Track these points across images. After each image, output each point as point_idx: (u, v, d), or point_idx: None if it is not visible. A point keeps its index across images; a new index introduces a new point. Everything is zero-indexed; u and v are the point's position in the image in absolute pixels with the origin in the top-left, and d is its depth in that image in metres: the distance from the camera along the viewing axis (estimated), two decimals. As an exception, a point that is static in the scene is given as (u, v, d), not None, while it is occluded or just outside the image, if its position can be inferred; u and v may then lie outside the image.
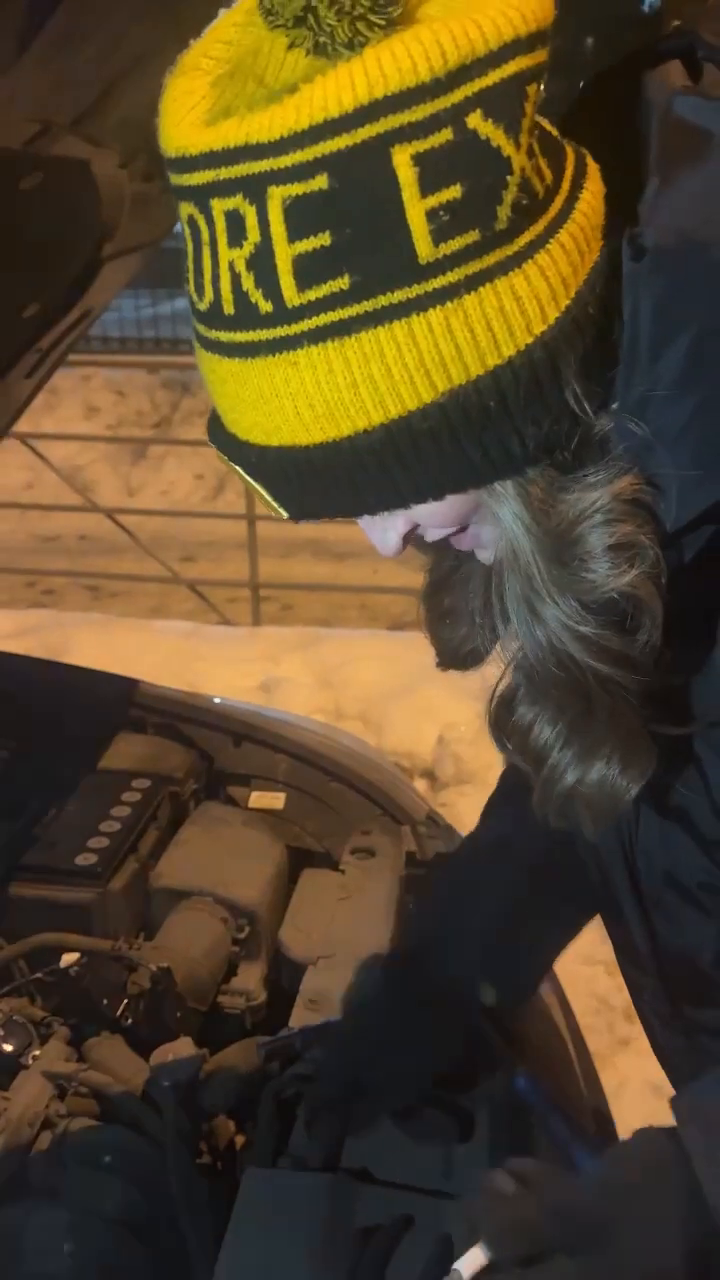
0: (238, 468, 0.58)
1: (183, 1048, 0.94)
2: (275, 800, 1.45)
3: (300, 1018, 1.02)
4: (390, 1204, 0.82)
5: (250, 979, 1.15)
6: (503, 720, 0.67)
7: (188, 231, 0.52)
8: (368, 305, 0.49)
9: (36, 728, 1.44)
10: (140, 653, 3.59)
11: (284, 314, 0.50)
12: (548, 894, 0.89)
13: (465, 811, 2.91)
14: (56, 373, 1.49)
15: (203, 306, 0.53)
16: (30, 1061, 0.96)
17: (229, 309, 0.51)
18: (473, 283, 0.49)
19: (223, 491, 6.51)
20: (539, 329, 0.51)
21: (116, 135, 1.01)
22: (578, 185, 0.53)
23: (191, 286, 0.53)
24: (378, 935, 1.15)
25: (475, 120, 0.47)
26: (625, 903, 0.77)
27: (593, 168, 0.55)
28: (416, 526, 0.61)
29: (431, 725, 3.20)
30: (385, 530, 0.61)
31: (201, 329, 0.54)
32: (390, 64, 0.46)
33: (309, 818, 1.43)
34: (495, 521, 0.58)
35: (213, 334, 0.53)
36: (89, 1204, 0.86)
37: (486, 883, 0.91)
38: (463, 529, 0.61)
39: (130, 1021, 1.01)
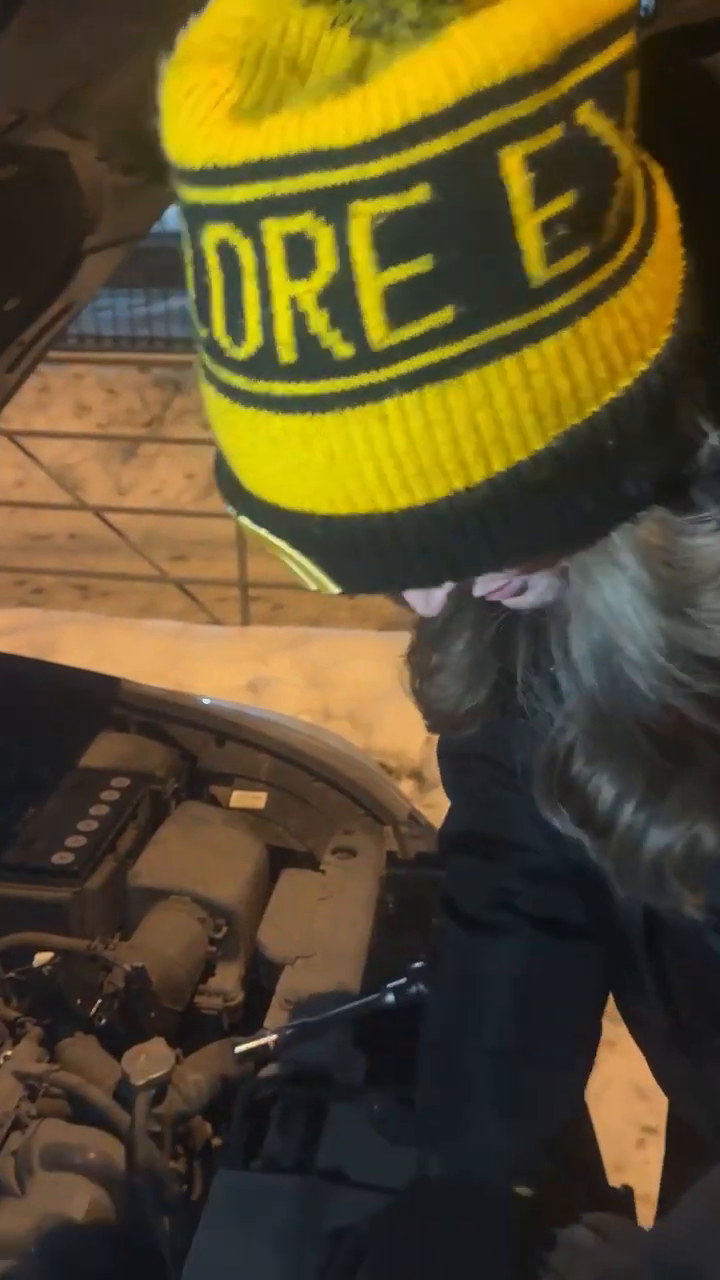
0: (280, 541, 0.49)
1: (155, 1048, 0.93)
2: (257, 800, 1.44)
3: (277, 1018, 1.01)
4: (363, 1205, 0.81)
5: (228, 979, 1.14)
6: (556, 786, 0.62)
7: (213, 260, 0.43)
8: (475, 340, 0.41)
9: (17, 725, 1.43)
10: (128, 652, 3.58)
11: (369, 358, 0.42)
12: (547, 1009, 0.81)
13: (453, 812, 2.91)
14: (48, 371, 1.49)
15: (242, 354, 0.44)
16: (1, 1061, 0.95)
17: (288, 355, 0.42)
18: (586, 305, 0.42)
19: (212, 491, 6.48)
20: (652, 352, 0.44)
21: (97, 126, 1.00)
22: (650, 183, 0.46)
23: (219, 329, 0.44)
24: (357, 935, 1.14)
25: (585, 113, 0.40)
26: (634, 938, 0.74)
27: (653, 163, 0.48)
28: (459, 588, 0.55)
29: (420, 726, 3.17)
30: (432, 593, 0.55)
31: (238, 381, 0.45)
32: (495, 47, 0.38)
33: (291, 817, 1.43)
34: (574, 569, 0.53)
35: (259, 387, 0.44)
36: (58, 1205, 0.85)
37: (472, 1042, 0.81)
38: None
39: (104, 1021, 1.00)
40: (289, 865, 1.32)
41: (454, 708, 0.69)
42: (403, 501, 0.44)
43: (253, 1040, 0.94)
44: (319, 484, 0.45)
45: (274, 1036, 0.94)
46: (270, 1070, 0.93)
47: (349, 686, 3.43)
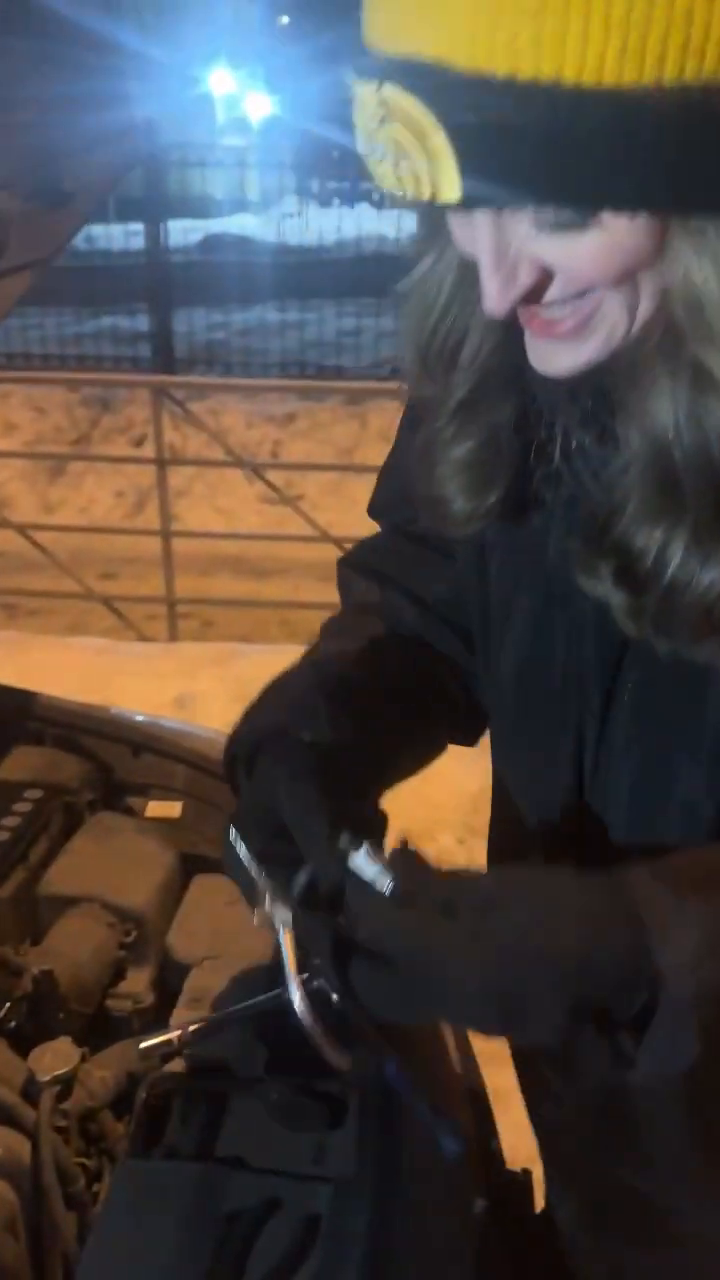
0: (434, 114, 0.46)
1: (61, 1046, 0.95)
2: (172, 809, 1.47)
3: (183, 1016, 1.04)
4: (260, 1189, 0.85)
5: (138, 983, 1.17)
6: (598, 546, 0.62)
7: None
8: None
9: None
10: (55, 670, 3.57)
11: None
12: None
13: (377, 822, 2.96)
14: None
15: None
16: None
17: None
18: None
19: (142, 509, 6.49)
20: None
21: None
22: None
23: None
24: (263, 936, 1.17)
25: None
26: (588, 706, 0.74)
27: None
28: (540, 283, 0.54)
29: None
30: (516, 276, 0.54)
31: None
32: None
33: (205, 825, 1.46)
34: (649, 283, 0.52)
35: None
36: (-36, 1203, 0.87)
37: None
38: (586, 299, 0.55)
39: (13, 1024, 1.02)
40: (203, 872, 1.36)
41: (469, 508, 0.70)
42: (591, 75, 0.42)
43: (157, 1037, 0.97)
44: (514, 30, 0.43)
45: (178, 1033, 0.97)
46: (174, 1065, 0.96)
47: (276, 701, 3.46)
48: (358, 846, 0.64)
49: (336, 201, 15.35)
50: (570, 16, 0.42)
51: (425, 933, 0.59)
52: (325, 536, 4.42)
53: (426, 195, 0.49)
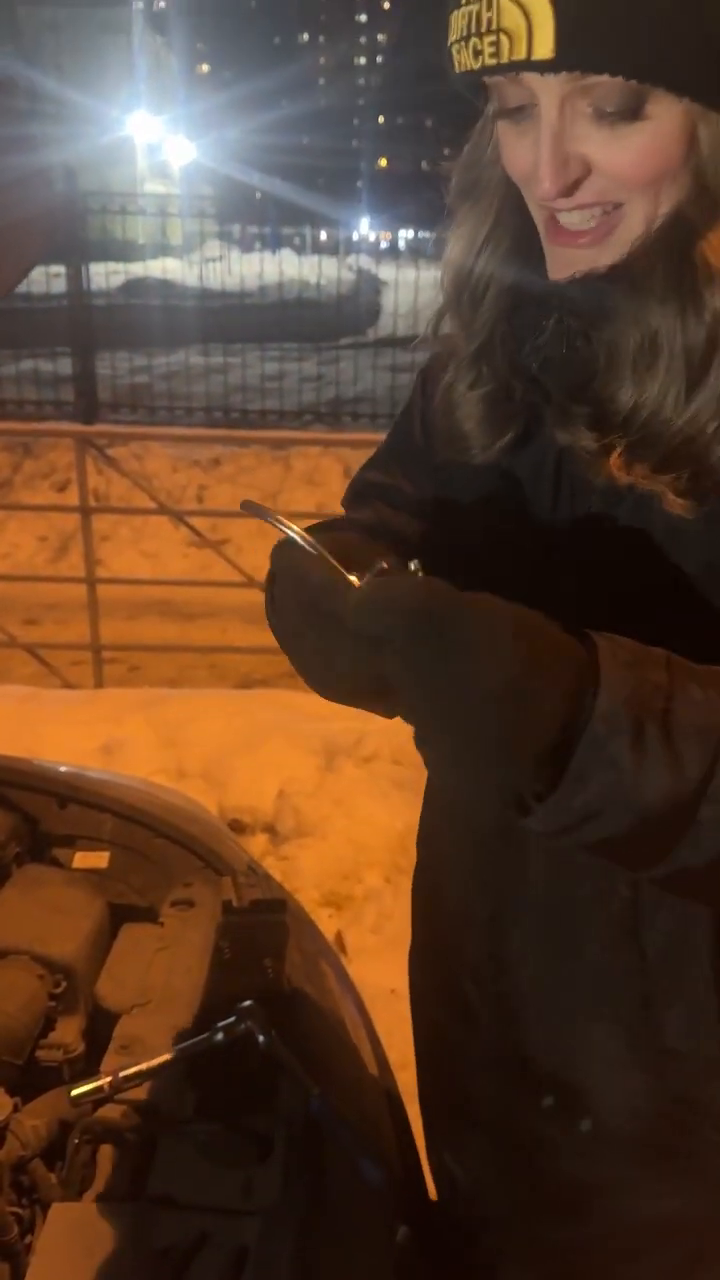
0: None
1: (-8, 1097, 0.98)
2: (99, 859, 1.49)
3: (113, 1063, 1.07)
4: (190, 1225, 0.88)
5: (68, 1033, 1.19)
6: (568, 403, 0.75)
7: None
8: None
9: None
10: (-23, 719, 3.55)
11: None
12: None
13: (306, 864, 2.99)
14: None
15: None
16: None
17: None
18: None
19: (66, 553, 6.47)
20: None
21: None
22: None
23: None
24: (192, 981, 1.21)
25: None
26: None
27: None
28: (583, 178, 0.68)
29: (273, 780, 3.28)
30: (568, 163, 0.67)
31: None
32: None
33: (133, 874, 1.49)
34: (670, 194, 0.66)
35: None
36: None
37: None
38: (610, 214, 0.69)
39: (-55, 1078, 1.04)
40: (130, 920, 1.39)
41: (487, 441, 0.82)
42: None
43: (88, 1084, 1.00)
44: None
45: (109, 1079, 1.01)
46: (104, 1111, 0.99)
47: (203, 744, 3.49)
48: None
49: (259, 246, 15.56)
50: None
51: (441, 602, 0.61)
52: (251, 581, 4.47)
53: (522, 55, 0.62)
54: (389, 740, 3.50)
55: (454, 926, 1.00)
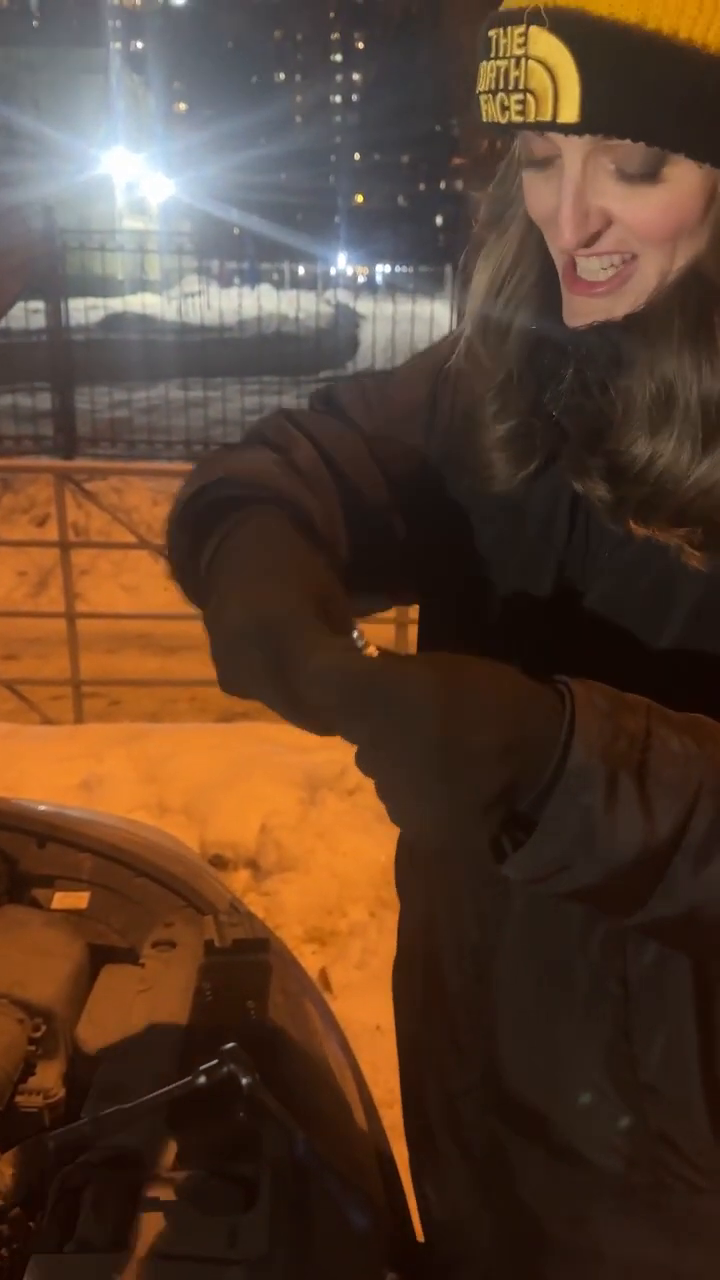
0: (569, 44, 0.61)
1: (-29, 1147, 0.96)
2: (79, 900, 1.48)
3: (94, 1108, 1.05)
4: (173, 1275, 0.87)
5: (48, 1077, 1.17)
6: (588, 449, 0.75)
7: None
8: None
9: None
10: (-44, 757, 3.52)
11: None
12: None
13: (288, 899, 2.97)
14: None
15: None
16: None
17: None
18: None
19: (45, 588, 6.45)
20: None
21: None
22: None
23: None
24: (174, 1023, 1.20)
25: None
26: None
27: None
28: (603, 230, 0.69)
29: (255, 814, 3.27)
30: (589, 216, 0.68)
31: None
32: None
33: (113, 914, 1.47)
34: (687, 248, 0.68)
35: None
36: None
37: None
38: (627, 264, 0.70)
39: None
40: (111, 961, 1.37)
41: (510, 474, 0.82)
42: (699, 37, 0.59)
43: (68, 1130, 0.99)
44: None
45: (89, 1125, 0.99)
46: (85, 1157, 0.97)
47: (184, 779, 3.47)
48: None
49: (237, 281, 15.69)
50: None
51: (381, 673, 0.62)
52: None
53: (547, 116, 0.63)
54: (371, 772, 3.48)
55: (436, 953, 1.00)
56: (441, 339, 0.99)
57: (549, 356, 0.79)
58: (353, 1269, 0.97)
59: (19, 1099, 1.15)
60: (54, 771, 3.43)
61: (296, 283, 19.32)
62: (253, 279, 17.14)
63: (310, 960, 2.74)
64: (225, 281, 16.28)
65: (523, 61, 0.64)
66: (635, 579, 0.77)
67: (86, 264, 12.57)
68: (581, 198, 0.68)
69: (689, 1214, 0.89)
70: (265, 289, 15.81)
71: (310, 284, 18.50)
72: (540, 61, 0.63)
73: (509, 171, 0.80)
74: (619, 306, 0.73)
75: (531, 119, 0.65)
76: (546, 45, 0.62)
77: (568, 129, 0.64)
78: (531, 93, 0.64)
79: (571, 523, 0.82)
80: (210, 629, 0.70)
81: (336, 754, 3.59)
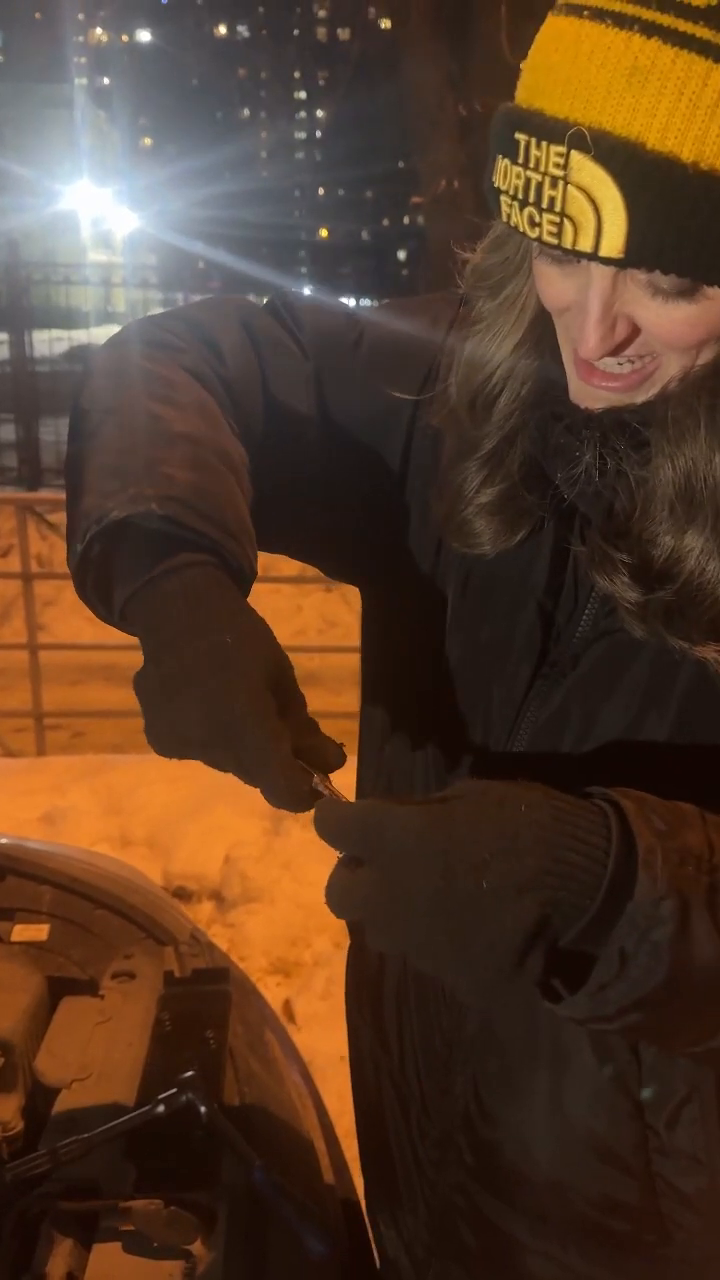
0: (613, 178, 0.55)
1: (-72, 1180, 0.96)
2: (39, 932, 1.48)
3: (52, 1139, 1.05)
4: (129, 1306, 0.87)
5: (6, 1110, 1.17)
6: (613, 547, 0.70)
7: None
8: None
9: None
10: None
11: None
12: None
13: (253, 931, 2.96)
14: None
15: None
16: None
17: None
18: None
19: (7, 620, 6.41)
20: None
21: None
22: None
23: None
24: (133, 1054, 1.20)
25: None
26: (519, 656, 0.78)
27: None
28: (630, 340, 0.64)
29: (219, 845, 3.26)
30: (617, 328, 0.63)
31: (644, 11, 0.54)
32: None
33: (73, 946, 1.47)
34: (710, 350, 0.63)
35: (648, 14, 0.54)
36: None
37: None
38: (649, 363, 0.66)
39: None
40: (70, 993, 1.37)
41: (496, 543, 0.77)
42: None
43: (25, 1162, 0.99)
44: (709, 128, 0.53)
45: (46, 1156, 0.99)
46: (42, 1189, 0.97)
47: (148, 811, 3.45)
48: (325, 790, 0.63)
49: (202, 314, 15.72)
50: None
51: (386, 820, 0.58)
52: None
53: (588, 248, 0.57)
54: (335, 802, 3.49)
55: (394, 1010, 0.99)
56: (429, 317, 0.87)
57: (558, 437, 0.73)
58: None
59: (-24, 1133, 1.14)
60: (16, 805, 3.41)
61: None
62: (218, 312, 17.22)
63: (274, 992, 2.73)
64: (190, 314, 16.32)
65: (560, 184, 0.57)
66: (628, 653, 0.73)
67: (51, 297, 12.60)
68: (610, 309, 0.63)
69: (686, 1254, 0.86)
70: (230, 322, 15.86)
71: (275, 317, 18.57)
72: (583, 190, 0.56)
73: (511, 240, 0.72)
74: (637, 396, 0.68)
75: (569, 246, 0.58)
76: (591, 175, 0.56)
77: (610, 262, 0.58)
78: (570, 219, 0.57)
79: (575, 595, 0.78)
80: (152, 715, 0.64)
81: (300, 784, 3.59)
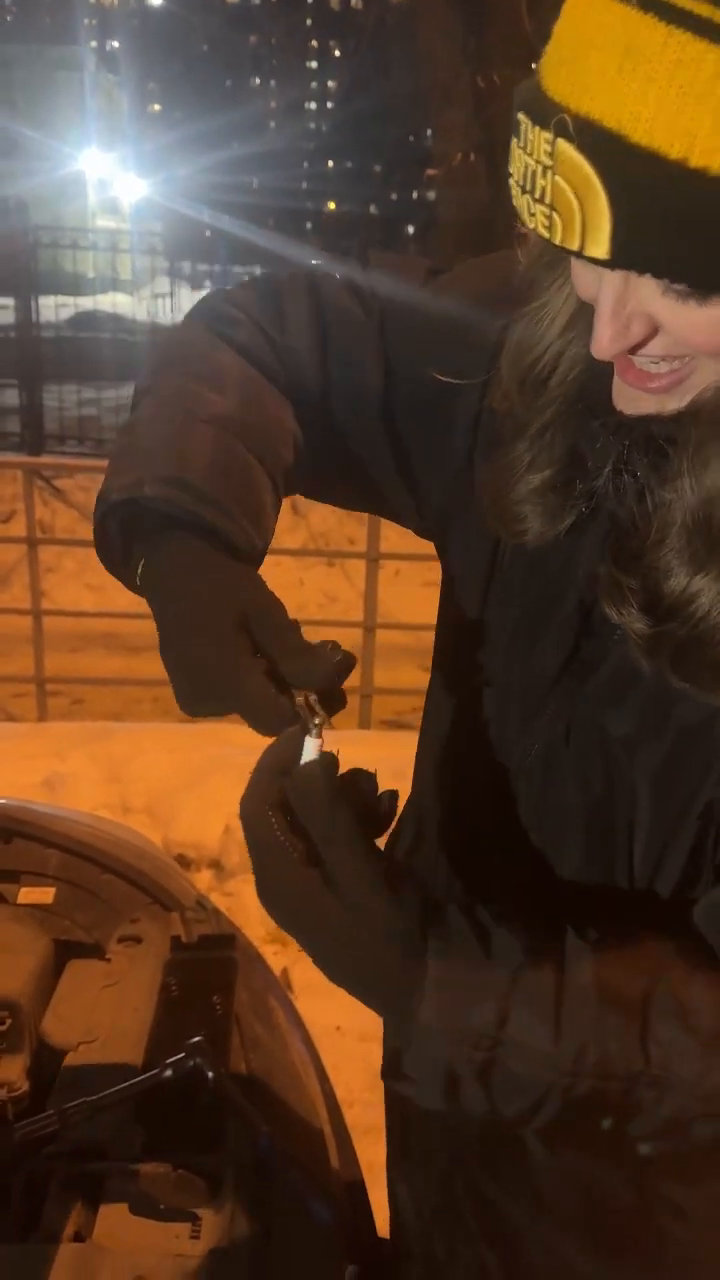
0: (598, 171, 0.50)
1: (-67, 1137, 0.96)
2: (45, 895, 1.47)
3: (59, 1101, 1.05)
4: (137, 1267, 0.87)
5: (12, 1070, 1.17)
6: (626, 576, 0.67)
7: None
8: None
9: None
10: None
11: None
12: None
13: (250, 900, 2.97)
14: None
15: None
16: None
17: None
18: None
19: (8, 585, 6.40)
20: None
21: None
22: None
23: None
24: (139, 1018, 1.20)
25: None
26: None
27: None
28: (648, 338, 0.59)
29: (218, 815, 3.26)
30: (630, 328, 0.58)
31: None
32: None
33: (79, 910, 1.47)
34: None
35: None
36: None
37: None
38: (684, 364, 0.60)
39: None
40: (77, 957, 1.37)
41: (544, 528, 0.73)
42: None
43: (33, 1122, 0.99)
44: (699, 123, 0.47)
45: (53, 1117, 0.99)
46: (50, 1150, 0.97)
47: (148, 779, 3.46)
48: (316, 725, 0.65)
49: (208, 283, 15.65)
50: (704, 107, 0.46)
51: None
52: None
53: (574, 246, 0.53)
54: (335, 776, 3.50)
55: None
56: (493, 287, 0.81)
57: (588, 437, 0.71)
58: (314, 1262, 0.98)
59: (-18, 1092, 1.14)
60: (16, 769, 3.41)
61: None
62: (223, 281, 17.11)
63: (272, 961, 2.73)
64: (196, 283, 16.25)
65: (549, 174, 0.53)
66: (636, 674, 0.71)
67: (58, 261, 12.49)
68: (622, 306, 0.58)
69: (665, 1262, 0.87)
70: (236, 292, 15.73)
71: (281, 288, 18.42)
72: (569, 183, 0.52)
73: None
74: (671, 403, 0.64)
75: (558, 241, 0.54)
76: (574, 168, 0.51)
77: (596, 262, 0.54)
78: (558, 211, 0.53)
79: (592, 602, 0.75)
80: (171, 682, 0.69)
81: (301, 757, 3.59)
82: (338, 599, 6.79)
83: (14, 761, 3.49)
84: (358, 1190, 1.21)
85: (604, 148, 0.49)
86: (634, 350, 0.61)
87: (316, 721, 0.64)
